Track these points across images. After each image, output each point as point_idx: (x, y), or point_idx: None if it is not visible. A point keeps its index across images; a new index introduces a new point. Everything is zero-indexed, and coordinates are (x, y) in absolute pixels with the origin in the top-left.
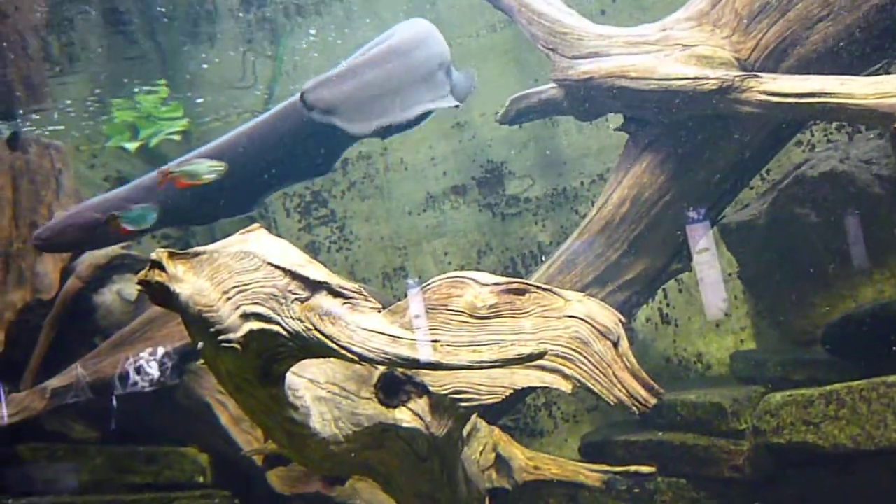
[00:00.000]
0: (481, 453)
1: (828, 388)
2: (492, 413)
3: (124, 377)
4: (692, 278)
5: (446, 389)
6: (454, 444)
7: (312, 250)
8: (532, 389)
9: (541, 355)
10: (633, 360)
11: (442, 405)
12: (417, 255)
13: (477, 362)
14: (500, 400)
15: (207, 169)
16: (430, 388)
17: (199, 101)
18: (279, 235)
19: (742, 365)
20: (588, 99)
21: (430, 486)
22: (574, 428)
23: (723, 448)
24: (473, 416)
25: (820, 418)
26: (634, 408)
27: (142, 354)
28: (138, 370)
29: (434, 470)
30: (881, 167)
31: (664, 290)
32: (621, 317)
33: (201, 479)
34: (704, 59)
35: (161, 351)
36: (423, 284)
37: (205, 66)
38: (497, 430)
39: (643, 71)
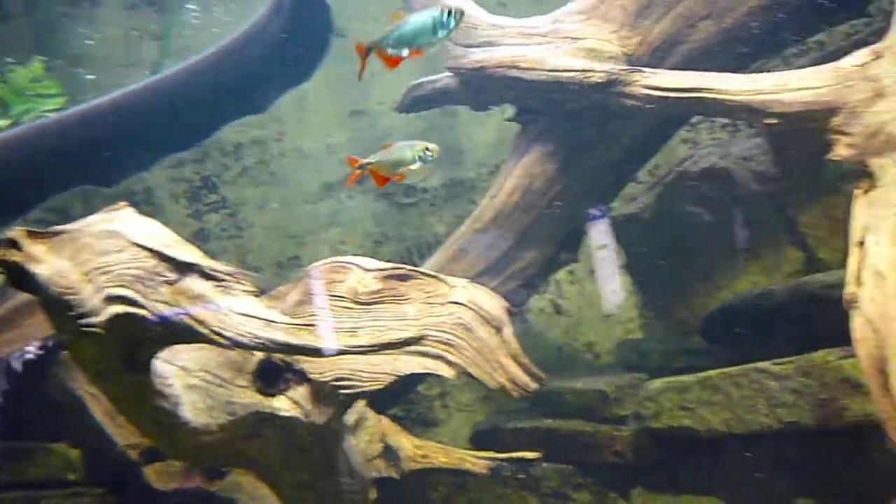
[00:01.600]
0: (368, 443)
1: (703, 374)
2: (381, 403)
3: None
4: (584, 270)
5: (327, 377)
6: (335, 433)
7: (201, 238)
8: (421, 379)
9: (417, 339)
10: (516, 345)
11: (322, 393)
12: (313, 245)
13: (354, 346)
14: (382, 386)
15: (415, 155)
16: (310, 376)
17: (90, 77)
18: (165, 223)
19: (627, 353)
20: (481, 88)
21: (310, 475)
22: (468, 418)
23: (606, 434)
24: (360, 406)
25: (696, 403)
26: (515, 392)
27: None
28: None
29: (314, 459)
30: (758, 164)
31: (557, 281)
32: (506, 303)
33: (72, 477)
34: (592, 53)
35: (30, 343)
36: (306, 269)
37: (90, 41)
38: (385, 420)
39: (533, 62)
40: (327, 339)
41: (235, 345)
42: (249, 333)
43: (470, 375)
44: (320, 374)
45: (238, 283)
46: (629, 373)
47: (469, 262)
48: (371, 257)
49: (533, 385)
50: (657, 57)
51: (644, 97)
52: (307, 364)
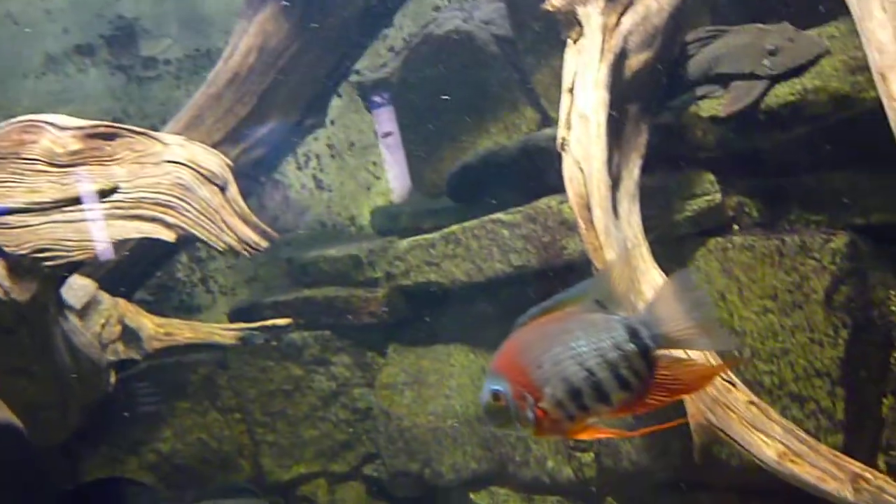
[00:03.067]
0: (104, 326)
1: (447, 230)
2: (126, 286)
3: None
4: (344, 144)
5: (25, 249)
6: (44, 310)
7: None
8: (170, 261)
9: (111, 191)
10: (242, 204)
11: (22, 267)
12: None
13: (34, 204)
14: (92, 255)
15: None
16: (6, 249)
17: None
18: None
19: (380, 219)
20: None
21: (21, 358)
22: (233, 300)
23: (361, 297)
24: (92, 289)
25: (441, 258)
26: (246, 252)
27: None
28: None
29: (23, 342)
30: (498, 28)
31: (317, 156)
32: (228, 160)
33: None
34: None
35: None
36: None
37: None
38: (122, 302)
39: None
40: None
41: None
42: None
43: (196, 238)
44: (17, 246)
45: None
46: (382, 238)
47: (205, 131)
48: None
49: (264, 243)
50: None
51: None
52: (1, 238)
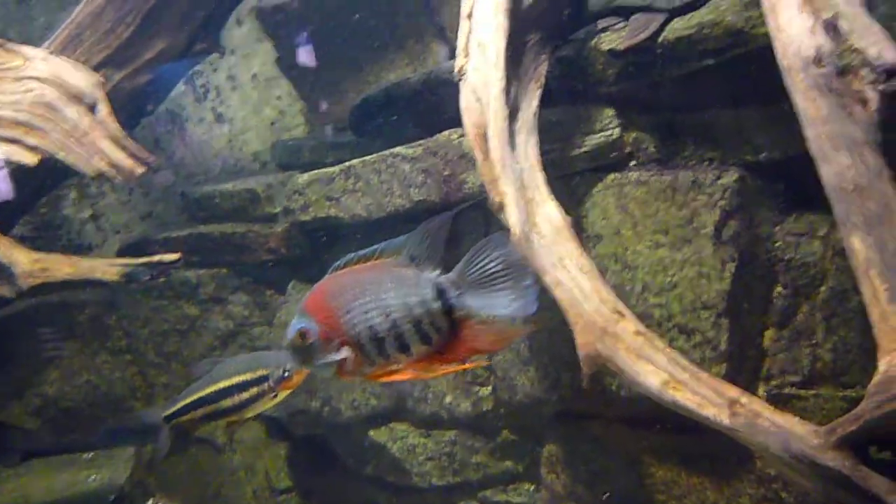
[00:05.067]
0: None
1: (346, 164)
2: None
3: None
4: (246, 75)
5: None
6: None
7: None
8: (50, 190)
9: None
10: (115, 125)
11: None
12: None
13: None
14: None
15: None
16: None
17: None
18: None
19: (281, 153)
20: None
21: None
22: (126, 238)
23: (259, 233)
24: None
25: (340, 193)
26: (120, 177)
27: None
28: None
29: None
30: None
31: (217, 88)
32: (100, 77)
33: None
34: None
35: None
36: None
37: None
38: None
39: None
40: None
41: None
42: None
43: (63, 162)
44: None
45: None
46: (282, 172)
47: (84, 52)
48: None
49: (139, 169)
50: None
51: None
52: None
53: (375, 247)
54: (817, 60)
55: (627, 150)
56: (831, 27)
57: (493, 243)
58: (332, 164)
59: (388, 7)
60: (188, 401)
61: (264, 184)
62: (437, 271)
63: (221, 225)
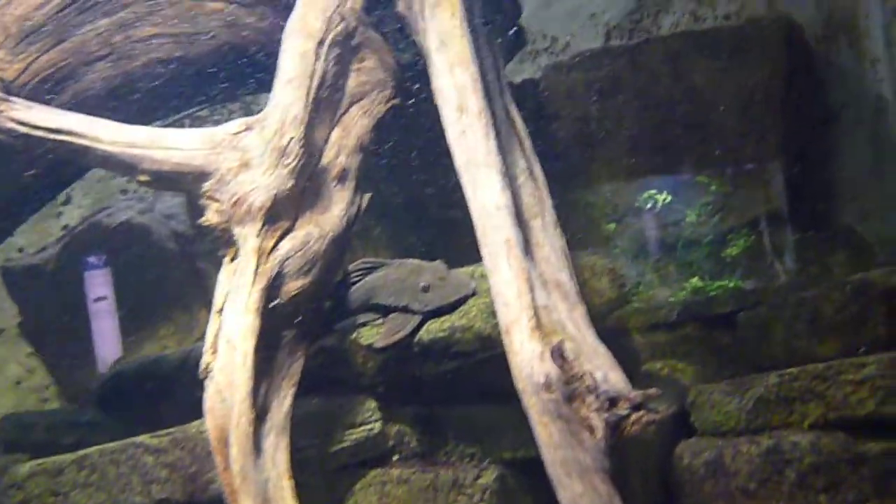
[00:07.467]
0: None
1: (81, 452)
2: None
3: None
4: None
5: None
6: None
7: None
8: None
9: None
10: None
11: None
12: None
13: None
14: None
15: None
16: None
17: None
18: None
19: (10, 430)
20: None
21: None
22: None
23: None
24: None
25: (70, 486)
26: None
27: None
28: None
29: None
30: (179, 223)
31: None
32: None
33: None
34: None
35: None
36: None
37: None
38: None
39: None
40: None
41: None
42: None
43: None
44: None
45: None
46: (9, 453)
47: None
48: None
49: None
50: (45, 91)
51: (10, 131)
52: None
53: None
54: (547, 386)
55: (390, 443)
56: (558, 353)
57: None
58: (72, 447)
59: (158, 274)
60: None
61: None
62: None
63: None
